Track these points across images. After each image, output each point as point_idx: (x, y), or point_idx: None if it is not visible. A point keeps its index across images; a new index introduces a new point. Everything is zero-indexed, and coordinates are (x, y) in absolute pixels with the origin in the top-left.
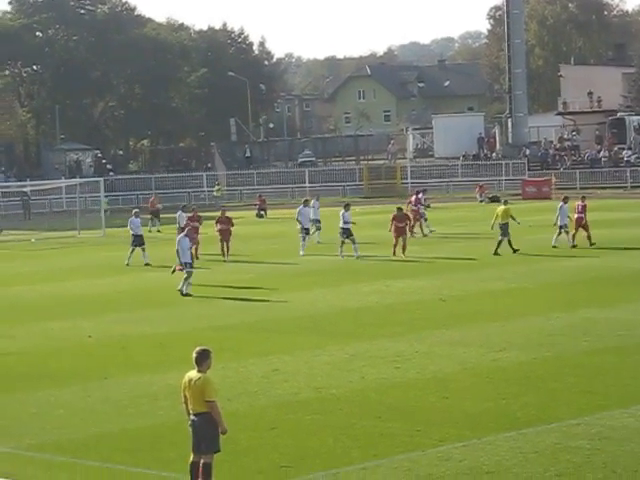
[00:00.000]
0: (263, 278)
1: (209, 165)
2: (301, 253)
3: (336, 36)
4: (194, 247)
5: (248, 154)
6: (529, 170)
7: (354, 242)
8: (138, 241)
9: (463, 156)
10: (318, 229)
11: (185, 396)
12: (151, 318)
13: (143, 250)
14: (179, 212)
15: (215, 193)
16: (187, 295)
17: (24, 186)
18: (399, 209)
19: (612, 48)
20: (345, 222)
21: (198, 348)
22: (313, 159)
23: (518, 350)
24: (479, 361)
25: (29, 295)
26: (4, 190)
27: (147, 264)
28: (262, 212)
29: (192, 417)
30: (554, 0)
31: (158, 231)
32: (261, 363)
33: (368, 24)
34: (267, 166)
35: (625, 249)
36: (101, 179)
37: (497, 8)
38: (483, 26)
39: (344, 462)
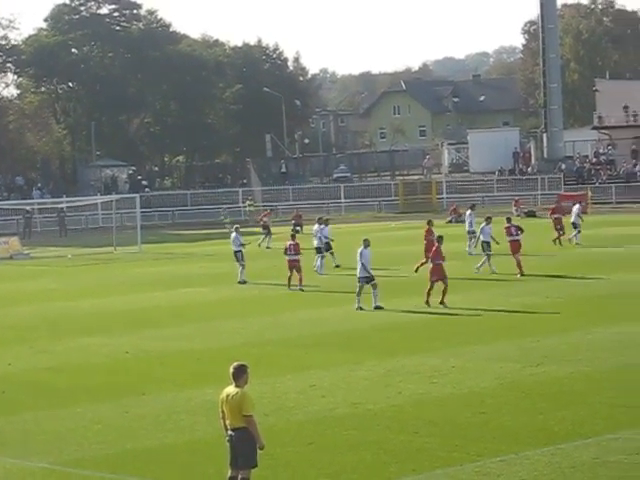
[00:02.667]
0: (296, 295)
1: (244, 181)
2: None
3: (371, 51)
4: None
5: (284, 170)
6: (565, 185)
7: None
8: (238, 257)
9: (499, 171)
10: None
11: (223, 411)
12: (188, 334)
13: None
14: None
15: (248, 208)
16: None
17: (60, 202)
18: (508, 219)
19: None
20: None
21: (235, 363)
22: (348, 175)
23: (555, 365)
24: (516, 376)
25: (66, 311)
26: (40, 207)
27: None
28: (298, 228)
29: (230, 432)
30: (589, 14)
31: (267, 247)
32: (298, 379)
33: (403, 39)
34: (302, 182)
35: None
36: (137, 195)
37: (532, 23)
38: (518, 41)
39: (382, 477)
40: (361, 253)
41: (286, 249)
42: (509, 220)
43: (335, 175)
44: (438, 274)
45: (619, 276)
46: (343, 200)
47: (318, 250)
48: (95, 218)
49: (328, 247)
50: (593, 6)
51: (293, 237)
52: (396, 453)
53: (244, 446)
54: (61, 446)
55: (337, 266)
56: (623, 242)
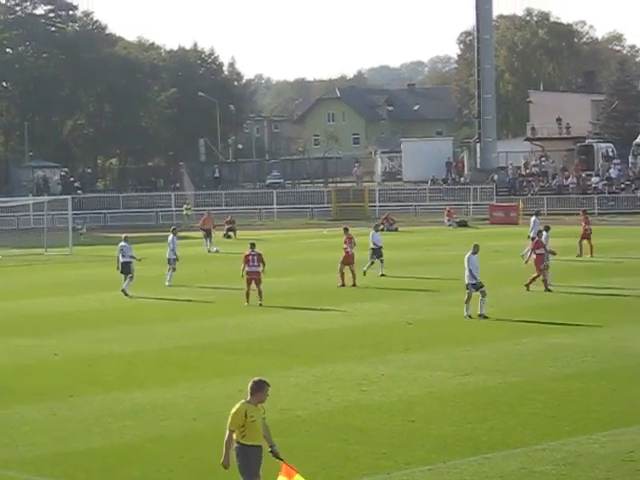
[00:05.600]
0: (228, 299)
1: (177, 185)
2: (381, 273)
3: (306, 58)
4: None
5: (217, 174)
6: (497, 195)
7: (382, 262)
8: (125, 269)
9: (431, 180)
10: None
11: None
12: (118, 337)
13: (130, 278)
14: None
15: (184, 212)
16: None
17: None
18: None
19: (581, 75)
20: (375, 243)
21: (256, 378)
22: (281, 181)
23: (484, 374)
24: (445, 385)
25: None
26: None
27: (125, 293)
28: (230, 233)
29: None
30: (524, 26)
31: (217, 251)
32: (226, 384)
33: (338, 47)
34: (235, 187)
35: (592, 275)
36: (69, 197)
37: (467, 33)
38: (453, 51)
39: None
40: (469, 259)
41: (247, 259)
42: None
43: (268, 181)
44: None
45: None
46: (276, 206)
47: (169, 261)
48: (26, 219)
49: (379, 254)
50: (528, 18)
51: (253, 246)
52: (324, 460)
53: (238, 459)
54: None
55: (382, 275)
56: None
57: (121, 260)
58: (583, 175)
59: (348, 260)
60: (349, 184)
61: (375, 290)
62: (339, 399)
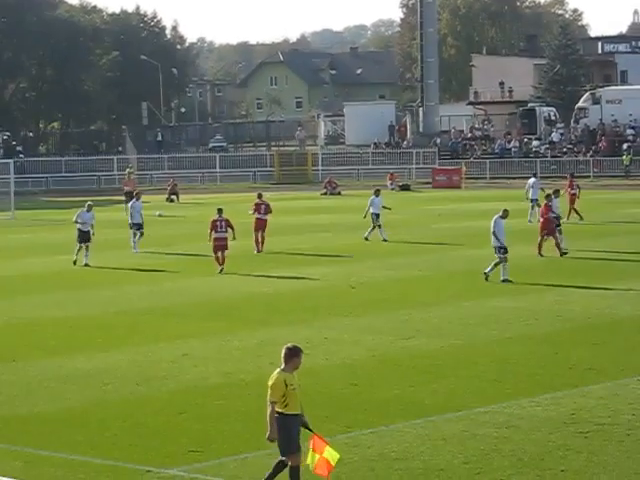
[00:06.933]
0: (172, 264)
1: (120, 149)
2: (383, 237)
3: (249, 22)
4: None
5: (159, 138)
6: (440, 159)
7: (380, 227)
8: (83, 237)
9: (374, 144)
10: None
11: None
12: (60, 301)
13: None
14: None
15: (127, 176)
16: None
17: None
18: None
19: (524, 39)
20: (375, 208)
21: (289, 344)
22: (224, 144)
23: (427, 338)
24: (388, 348)
25: None
26: None
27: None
28: (173, 196)
29: None
30: None
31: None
32: (170, 348)
33: (281, 10)
34: (178, 151)
35: (534, 239)
36: (11, 161)
37: None
38: (396, 14)
39: (252, 447)
40: (495, 222)
41: (214, 225)
42: (549, 197)
43: (211, 145)
44: (548, 228)
45: (491, 250)
46: (218, 170)
47: (138, 226)
48: None
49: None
50: None
51: (220, 211)
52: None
53: (278, 432)
54: None
55: (385, 240)
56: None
57: (82, 229)
58: (525, 139)
59: (261, 226)
60: (292, 148)
61: (319, 254)
62: None
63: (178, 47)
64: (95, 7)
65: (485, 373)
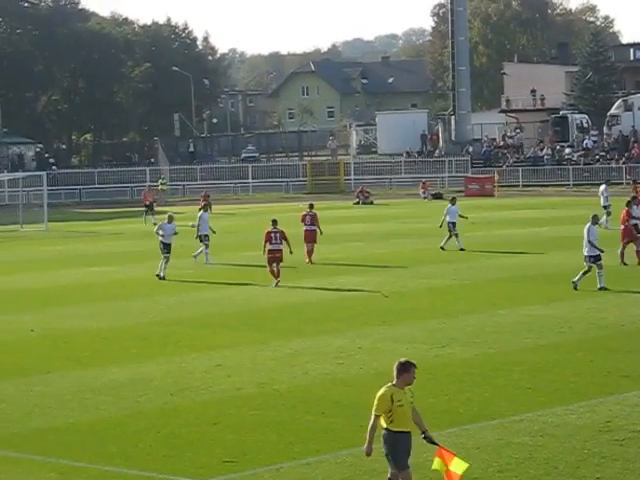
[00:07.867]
0: (206, 274)
1: (152, 160)
2: (460, 246)
3: (280, 32)
4: None
5: (191, 149)
6: (472, 167)
7: (457, 236)
8: (166, 248)
9: (406, 153)
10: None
11: None
12: (94, 312)
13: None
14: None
15: (159, 187)
16: None
17: None
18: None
19: (555, 46)
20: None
21: (402, 359)
22: (256, 155)
23: (461, 346)
24: (422, 357)
25: None
26: None
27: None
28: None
29: None
30: None
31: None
32: (204, 358)
33: (312, 20)
34: (210, 161)
35: (568, 247)
36: (44, 173)
37: (441, 5)
38: (427, 23)
39: (287, 457)
40: (589, 230)
41: (269, 237)
42: (629, 204)
43: (243, 155)
44: (630, 235)
45: (525, 258)
46: (251, 180)
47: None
48: (1, 195)
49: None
50: None
51: (275, 223)
52: (301, 433)
53: (385, 447)
54: None
55: (462, 249)
56: (529, 225)
57: (165, 241)
58: (558, 146)
59: (309, 238)
60: (324, 157)
61: (351, 264)
62: (316, 372)
63: (209, 58)
64: (126, 19)
65: (519, 381)
